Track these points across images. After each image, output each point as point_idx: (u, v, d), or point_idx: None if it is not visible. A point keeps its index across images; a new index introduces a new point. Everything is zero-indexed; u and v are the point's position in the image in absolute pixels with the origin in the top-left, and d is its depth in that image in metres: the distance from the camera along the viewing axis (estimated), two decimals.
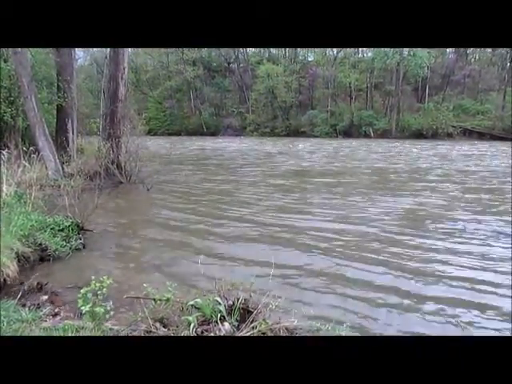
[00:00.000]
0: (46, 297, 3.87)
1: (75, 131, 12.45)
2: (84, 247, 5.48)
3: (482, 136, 32.80)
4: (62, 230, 5.49)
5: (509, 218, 7.01)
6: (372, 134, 36.69)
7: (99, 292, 2.87)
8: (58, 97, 11.94)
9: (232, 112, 45.70)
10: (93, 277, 3.05)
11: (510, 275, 4.53)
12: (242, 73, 46.52)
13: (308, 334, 3.10)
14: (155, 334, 2.90)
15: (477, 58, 40.51)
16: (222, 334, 2.89)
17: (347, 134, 37.49)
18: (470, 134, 33.79)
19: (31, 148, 8.54)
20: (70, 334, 2.66)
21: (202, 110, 45.61)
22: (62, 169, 10.16)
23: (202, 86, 47.11)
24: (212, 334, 2.90)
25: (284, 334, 3.02)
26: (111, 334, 2.84)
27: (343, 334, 2.93)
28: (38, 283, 4.12)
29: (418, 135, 34.03)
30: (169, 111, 47.11)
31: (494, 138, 31.62)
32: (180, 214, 7.73)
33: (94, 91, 32.62)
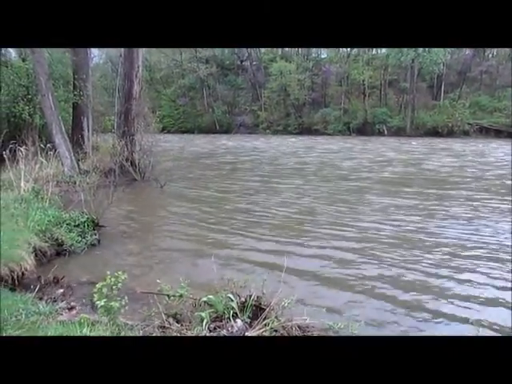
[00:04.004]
0: (61, 290, 3.94)
1: (90, 129, 12.64)
2: (99, 243, 5.55)
3: (499, 133, 32.09)
4: (77, 226, 5.58)
5: None
6: (386, 132, 36.25)
7: (114, 287, 2.90)
8: (74, 95, 12.12)
9: (245, 110, 45.65)
10: (108, 272, 3.08)
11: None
12: (254, 71, 46.40)
13: (319, 333, 3.09)
14: (168, 334, 2.92)
15: (494, 53, 39.57)
16: (234, 331, 2.90)
17: (360, 131, 37.09)
18: (486, 131, 33.09)
19: (48, 145, 8.69)
20: (85, 328, 2.70)
21: (215, 108, 45.68)
22: (78, 165, 10.31)
23: (214, 84, 47.19)
24: (224, 331, 2.91)
25: (296, 332, 3.02)
26: (126, 329, 2.87)
27: (355, 333, 2.91)
28: (54, 277, 4.19)
29: (433, 133, 33.46)
30: (182, 109, 47.32)
31: (511, 135, 30.90)
32: (194, 211, 7.78)
33: (109, 89, 32.99)
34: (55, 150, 9.44)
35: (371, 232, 6.14)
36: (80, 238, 5.32)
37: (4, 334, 2.58)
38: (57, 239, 5.10)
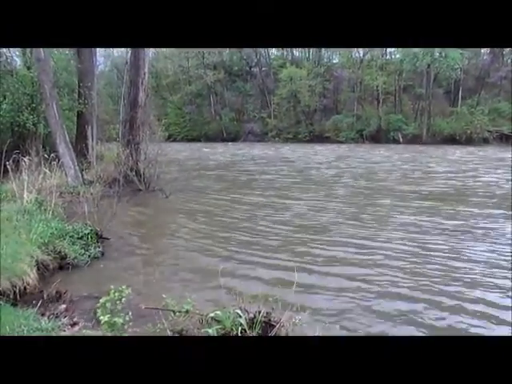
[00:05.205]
0: (64, 306, 3.97)
1: (95, 138, 12.83)
2: (102, 255, 5.60)
3: None
4: (80, 238, 5.64)
5: None
6: (401, 140, 36.13)
7: (118, 302, 2.92)
8: (79, 103, 12.35)
9: (253, 117, 45.93)
10: (112, 286, 3.11)
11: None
12: (263, 77, 46.78)
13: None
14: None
15: None
16: None
17: (374, 139, 37.02)
18: (507, 138, 32.76)
19: (52, 155, 8.84)
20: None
21: (223, 115, 46.05)
22: (82, 176, 10.46)
23: (222, 91, 47.64)
24: None
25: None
26: None
27: None
28: (56, 292, 4.23)
29: (451, 140, 33.24)
30: (188, 116, 47.76)
31: None
32: (201, 225, 7.81)
33: (114, 97, 33.55)
34: (59, 160, 9.59)
35: None
36: (83, 251, 5.37)
37: None
38: (60, 252, 5.15)
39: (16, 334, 2.92)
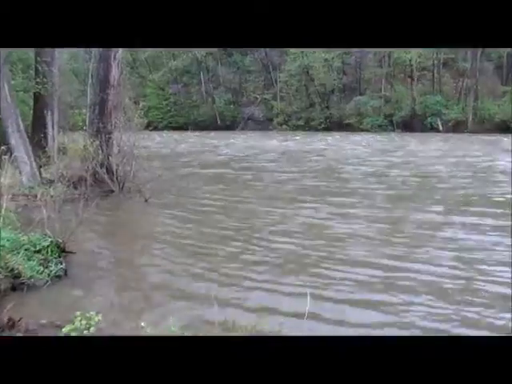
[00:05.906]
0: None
1: (56, 126, 12.86)
2: (66, 274, 5.62)
3: None
4: (38, 252, 5.66)
5: None
6: (440, 127, 36.13)
7: (86, 331, 2.95)
8: (36, 83, 12.37)
9: (254, 99, 46.05)
10: (77, 312, 3.14)
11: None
12: (267, 49, 46.89)
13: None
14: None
15: None
16: None
17: (407, 126, 37.06)
18: None
19: (2, 147, 8.87)
20: None
21: (216, 97, 46.16)
22: (40, 173, 10.49)
23: (215, 67, 47.78)
24: None
25: None
26: None
27: None
28: (9, 319, 4.25)
29: (504, 128, 33.21)
30: (173, 99, 47.92)
31: None
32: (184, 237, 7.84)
33: (80, 75, 33.62)
34: (11, 154, 9.62)
35: None
36: (42, 268, 5.39)
37: None
38: (12, 269, 5.17)
39: None
